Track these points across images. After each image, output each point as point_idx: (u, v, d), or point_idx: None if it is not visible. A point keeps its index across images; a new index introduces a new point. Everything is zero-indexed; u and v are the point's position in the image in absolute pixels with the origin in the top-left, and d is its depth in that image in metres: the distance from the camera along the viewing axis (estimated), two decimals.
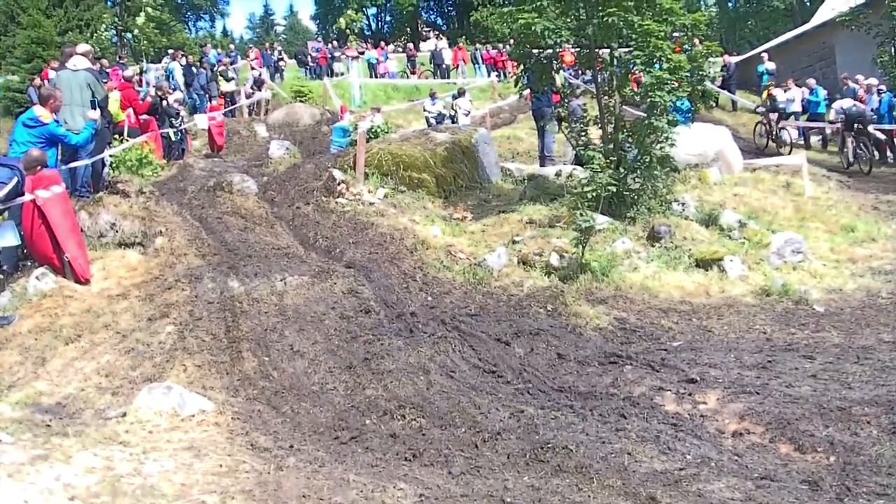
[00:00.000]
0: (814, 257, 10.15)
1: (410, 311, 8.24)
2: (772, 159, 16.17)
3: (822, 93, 20.94)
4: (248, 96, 25.53)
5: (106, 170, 11.99)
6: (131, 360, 6.99)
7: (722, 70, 23.88)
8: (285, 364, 6.95)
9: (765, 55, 25.64)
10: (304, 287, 8.46)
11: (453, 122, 20.10)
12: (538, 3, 10.92)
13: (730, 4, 60.71)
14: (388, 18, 68.12)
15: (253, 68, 28.90)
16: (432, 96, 22.08)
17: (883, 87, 19.89)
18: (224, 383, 6.60)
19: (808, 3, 48.59)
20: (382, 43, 39.06)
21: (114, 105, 13.92)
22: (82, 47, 11.37)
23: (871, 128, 17.59)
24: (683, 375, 6.34)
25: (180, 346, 7.16)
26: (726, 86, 24.53)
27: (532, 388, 6.48)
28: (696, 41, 12.74)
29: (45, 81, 18.53)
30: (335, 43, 37.03)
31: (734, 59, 26.81)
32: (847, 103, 18.03)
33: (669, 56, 10.54)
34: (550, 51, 11.71)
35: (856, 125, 17.45)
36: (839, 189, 14.69)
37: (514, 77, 12.24)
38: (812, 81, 21.16)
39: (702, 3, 59.58)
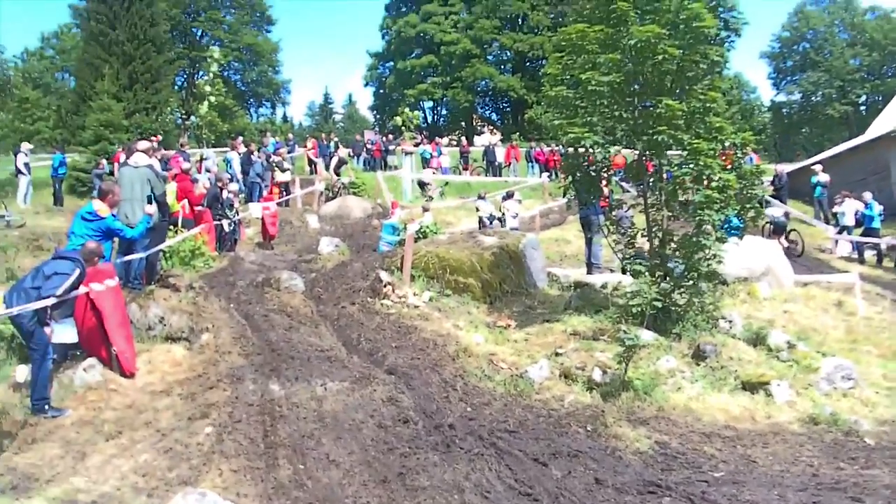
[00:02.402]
0: (865, 384, 9.88)
1: (449, 422, 8.18)
2: (824, 276, 15.96)
3: (878, 207, 20.75)
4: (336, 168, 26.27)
5: (160, 262, 12.29)
6: (169, 461, 7.04)
7: (773, 181, 23.86)
8: (320, 474, 6.93)
9: (818, 167, 25.53)
10: (344, 393, 8.51)
11: (502, 224, 20.25)
12: (588, 119, 11.10)
13: (784, 111, 60.91)
14: (443, 112, 69.60)
15: (311, 161, 29.65)
16: (482, 197, 22.33)
17: None
18: (258, 491, 6.59)
19: (863, 113, 48.60)
20: (437, 138, 39.84)
21: (170, 196, 14.38)
22: (143, 144, 11.86)
23: None
24: None
25: (218, 449, 7.20)
26: (778, 196, 24.42)
27: None
28: (749, 150, 12.75)
29: (115, 164, 19.21)
30: (390, 136, 37.85)
31: (786, 169, 26.76)
32: None
33: (719, 174, 10.57)
34: (599, 164, 11.83)
35: None
36: (894, 309, 14.39)
37: (563, 187, 12.34)
38: (868, 195, 20.96)
39: (756, 110, 60.00)
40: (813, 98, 61.46)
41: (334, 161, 27.67)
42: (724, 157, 11.35)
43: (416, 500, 6.50)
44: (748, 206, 11.35)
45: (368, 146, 34.02)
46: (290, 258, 17.07)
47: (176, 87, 52.67)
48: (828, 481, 7.06)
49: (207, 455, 7.11)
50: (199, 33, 63.03)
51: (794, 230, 20.89)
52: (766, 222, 19.57)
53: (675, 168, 11.17)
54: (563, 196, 12.55)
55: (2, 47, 23.58)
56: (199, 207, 16.08)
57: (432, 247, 13.94)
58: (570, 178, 12.15)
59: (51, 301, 7.71)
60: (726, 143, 11.15)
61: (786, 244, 19.03)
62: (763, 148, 36.44)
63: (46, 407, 7.81)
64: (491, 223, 20.45)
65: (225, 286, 13.34)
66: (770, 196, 22.55)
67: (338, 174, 26.92)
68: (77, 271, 8.13)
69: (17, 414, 7.84)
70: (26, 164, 23.93)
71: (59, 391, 8.29)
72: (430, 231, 16.33)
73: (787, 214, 21.35)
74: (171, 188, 14.88)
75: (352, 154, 34.37)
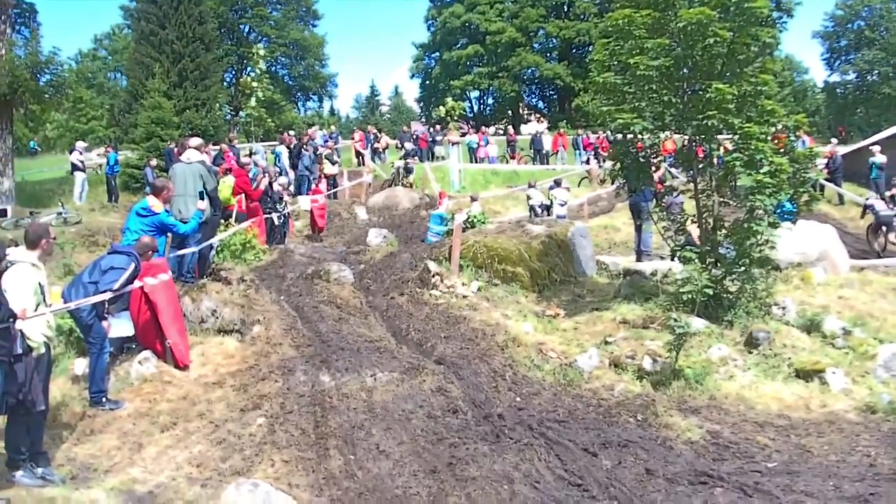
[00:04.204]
0: None
1: (498, 412, 8.18)
2: (881, 260, 15.57)
3: None
4: (406, 171, 26.62)
5: (212, 255, 12.49)
6: (222, 452, 7.17)
7: (828, 163, 23.35)
8: (370, 464, 6.99)
9: (875, 147, 24.88)
10: (394, 384, 8.57)
11: (548, 212, 20.15)
12: (636, 105, 10.97)
13: (838, 92, 59.45)
14: (490, 101, 69.45)
15: (358, 153, 29.83)
16: (532, 185, 22.24)
17: None
18: (310, 481, 6.69)
19: None
20: (484, 127, 39.75)
21: (226, 190, 14.60)
22: (194, 141, 12.05)
23: None
24: None
25: (270, 440, 7.32)
26: (833, 178, 23.90)
27: None
28: (803, 133, 12.46)
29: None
30: (437, 127, 37.88)
31: (841, 151, 26.17)
32: None
33: (771, 159, 10.37)
34: (648, 150, 11.71)
35: None
36: None
37: (610, 173, 12.23)
38: None
39: (809, 91, 58.70)
40: (868, 77, 59.91)
41: (401, 154, 27.83)
42: (776, 141, 11.11)
43: (465, 490, 6.52)
44: (801, 190, 11.11)
45: (416, 136, 34.03)
46: (338, 250, 17.22)
47: (225, 84, 53.26)
48: (885, 471, 6.87)
49: (260, 446, 7.24)
50: (246, 30, 63.77)
51: None
52: (869, 213, 18.69)
53: (726, 153, 10.99)
54: (612, 183, 12.44)
55: (57, 49, 23.95)
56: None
57: (480, 236, 13.93)
58: (618, 164, 12.03)
59: (108, 295, 7.88)
60: (778, 126, 10.93)
61: (892, 242, 18.06)
62: (817, 130, 35.65)
63: (104, 399, 8.00)
64: (542, 212, 20.37)
65: (275, 279, 13.51)
66: (825, 179, 22.08)
67: (407, 168, 26.96)
68: (132, 265, 8.30)
69: (75, 406, 8.06)
70: (81, 162, 24.48)
71: (115, 384, 8.50)
72: (477, 221, 16.32)
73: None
74: (229, 182, 15.11)
75: (399, 146, 34.47)
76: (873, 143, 26.17)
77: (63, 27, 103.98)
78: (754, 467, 6.96)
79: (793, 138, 11.38)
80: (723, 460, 7.18)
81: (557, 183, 21.41)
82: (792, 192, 11.04)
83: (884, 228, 18.17)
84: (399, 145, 34.36)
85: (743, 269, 10.81)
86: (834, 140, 28.86)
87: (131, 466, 6.94)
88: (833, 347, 10.01)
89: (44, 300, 6.69)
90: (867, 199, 20.04)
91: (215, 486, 6.52)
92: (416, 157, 30.47)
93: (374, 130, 34.12)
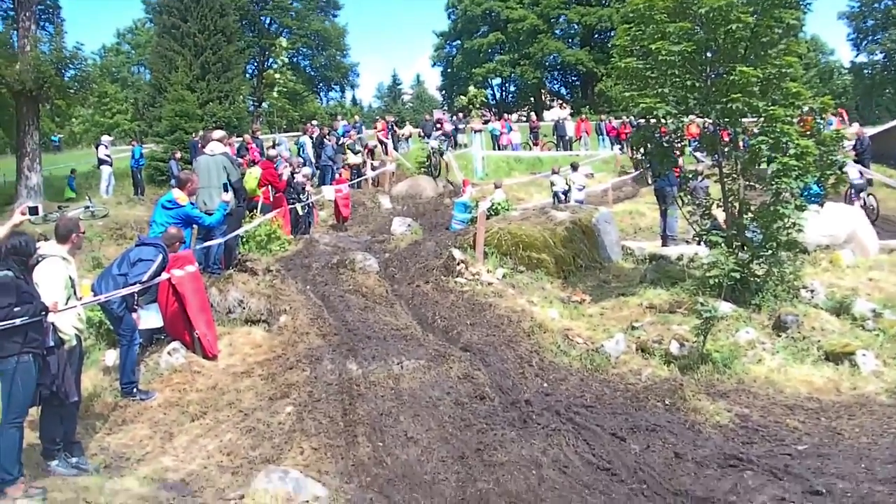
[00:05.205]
0: None
1: (525, 398, 8.21)
2: None
3: None
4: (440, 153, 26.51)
5: (237, 247, 12.57)
6: (252, 440, 7.25)
7: (855, 144, 23.03)
8: (399, 451, 7.04)
9: None
10: (421, 371, 8.60)
11: (566, 197, 20.05)
12: (659, 90, 10.90)
13: (866, 72, 58.56)
14: (512, 88, 69.25)
15: (381, 142, 29.83)
16: (555, 171, 22.14)
17: None
18: (339, 468, 6.74)
19: None
20: (506, 114, 39.60)
21: (252, 182, 14.69)
22: (217, 133, 12.11)
23: None
24: (808, 486, 6.02)
25: (298, 428, 7.38)
26: (860, 160, 23.56)
27: (647, 489, 6.33)
28: (830, 115, 12.28)
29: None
30: (460, 115, 37.82)
31: (869, 132, 25.80)
32: None
33: (797, 141, 10.26)
34: (672, 134, 11.63)
35: None
36: None
37: (634, 159, 12.17)
38: None
39: (836, 71, 57.86)
40: None
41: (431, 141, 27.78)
42: (802, 123, 10.99)
43: (493, 475, 6.55)
44: (829, 172, 10.98)
45: (439, 125, 33.95)
46: (363, 239, 17.26)
47: (247, 76, 53.50)
48: None
49: (289, 434, 7.31)
50: (267, 21, 63.91)
51: (871, 194, 20.09)
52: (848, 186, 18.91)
53: (752, 136, 10.88)
54: (635, 169, 12.37)
55: (81, 45, 24.25)
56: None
57: (504, 223, 13.92)
58: (642, 149, 11.97)
59: (137, 287, 7.97)
60: (804, 109, 10.81)
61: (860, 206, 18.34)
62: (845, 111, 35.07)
63: (135, 390, 8.11)
64: (566, 198, 20.29)
65: (301, 268, 13.58)
66: (853, 160, 21.80)
67: (438, 149, 26.78)
68: (160, 257, 8.39)
69: (107, 397, 8.20)
70: (108, 156, 24.71)
71: (145, 374, 8.62)
72: (501, 208, 16.30)
73: (863, 176, 20.59)
74: (256, 173, 15.20)
75: (421, 134, 34.42)
76: None
77: (86, 22, 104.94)
78: (784, 450, 6.92)
79: (819, 120, 11.24)
80: (752, 443, 7.15)
81: (575, 167, 21.23)
82: (819, 175, 10.92)
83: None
84: (421, 134, 34.32)
85: (770, 252, 10.73)
86: (835, 117, 28.10)
87: (163, 455, 7.05)
88: (863, 330, 9.90)
89: (74, 293, 6.78)
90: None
91: (246, 473, 6.61)
92: (450, 140, 30.24)
93: (392, 120, 34.12)
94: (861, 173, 20.01)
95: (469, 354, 9.38)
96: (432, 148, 26.64)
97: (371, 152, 27.46)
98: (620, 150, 29.85)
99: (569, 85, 70.69)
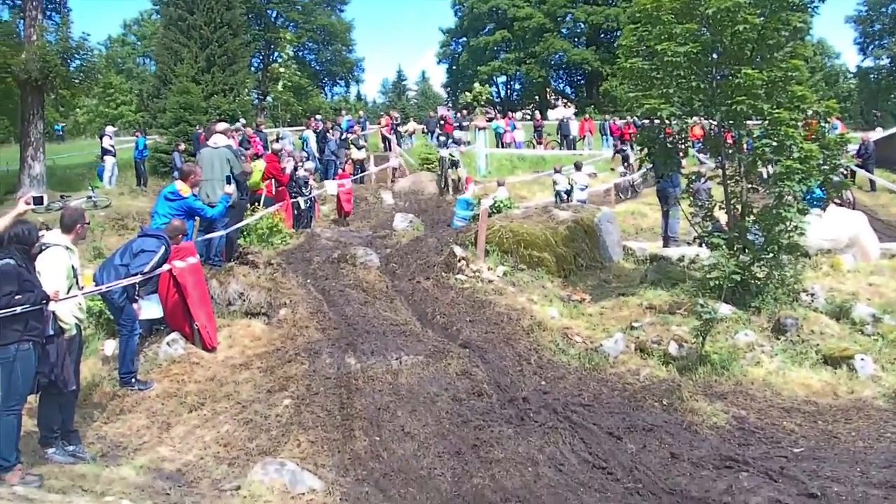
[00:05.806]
0: None
1: (523, 395, 8.22)
2: None
3: None
4: (452, 164, 25.76)
5: (238, 240, 12.59)
6: (249, 432, 7.28)
7: (860, 149, 23.04)
8: (395, 445, 7.06)
9: None
10: (419, 367, 8.62)
11: (568, 196, 20.03)
12: (664, 90, 10.90)
13: (871, 77, 58.44)
14: (517, 86, 69.16)
15: (385, 137, 29.82)
16: (558, 171, 22.12)
17: None
18: (335, 461, 6.77)
19: None
20: (510, 112, 39.56)
21: (256, 175, 14.71)
22: (221, 126, 12.14)
23: None
24: (803, 489, 6.04)
25: (296, 421, 7.41)
26: (864, 165, 23.59)
27: (642, 488, 6.34)
28: (835, 119, 12.29)
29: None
30: (464, 112, 37.86)
31: (873, 137, 25.80)
32: None
33: (801, 145, 10.26)
34: (676, 135, 11.63)
35: None
36: None
37: (638, 159, 12.17)
38: None
39: (841, 77, 57.76)
40: None
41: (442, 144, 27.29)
42: (806, 127, 10.99)
43: (489, 471, 6.57)
44: (831, 176, 10.98)
45: (443, 122, 33.94)
46: (365, 234, 17.27)
47: (252, 69, 53.45)
48: None
49: (286, 426, 7.34)
50: (273, 15, 63.82)
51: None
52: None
53: (756, 139, 10.88)
54: (639, 168, 12.38)
55: (86, 35, 24.21)
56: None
57: (506, 221, 13.92)
58: (645, 150, 11.97)
59: (139, 278, 7.99)
60: (809, 112, 10.81)
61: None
62: (849, 115, 35.10)
63: (133, 380, 8.14)
64: (568, 197, 20.27)
65: (302, 262, 13.60)
66: (857, 166, 21.79)
67: (453, 161, 25.94)
68: (163, 248, 8.42)
69: (105, 386, 8.23)
70: (112, 146, 24.72)
71: (144, 365, 8.65)
72: (503, 206, 16.28)
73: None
74: (260, 166, 15.22)
75: (425, 131, 34.41)
76: None
77: (92, 13, 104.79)
78: (780, 452, 6.93)
79: (824, 124, 11.23)
80: (748, 445, 7.16)
81: (578, 167, 21.21)
82: (822, 179, 10.92)
83: None
84: (425, 130, 34.28)
85: (771, 255, 10.73)
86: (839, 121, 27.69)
87: (160, 445, 7.08)
88: (862, 334, 9.92)
89: (76, 283, 6.81)
90: None
91: (242, 464, 6.65)
92: (461, 146, 27.03)
93: (396, 115, 34.01)
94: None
95: (468, 351, 9.39)
96: (442, 157, 24.43)
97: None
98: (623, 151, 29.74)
99: (574, 84, 70.55)
